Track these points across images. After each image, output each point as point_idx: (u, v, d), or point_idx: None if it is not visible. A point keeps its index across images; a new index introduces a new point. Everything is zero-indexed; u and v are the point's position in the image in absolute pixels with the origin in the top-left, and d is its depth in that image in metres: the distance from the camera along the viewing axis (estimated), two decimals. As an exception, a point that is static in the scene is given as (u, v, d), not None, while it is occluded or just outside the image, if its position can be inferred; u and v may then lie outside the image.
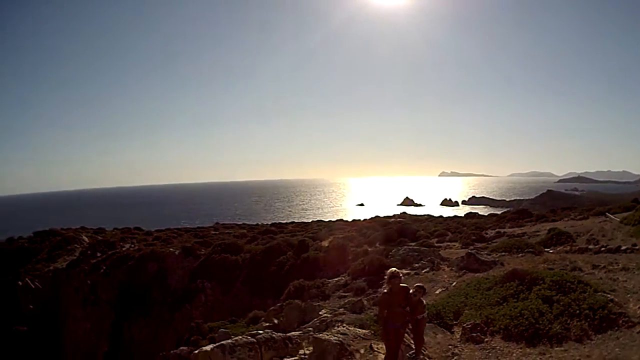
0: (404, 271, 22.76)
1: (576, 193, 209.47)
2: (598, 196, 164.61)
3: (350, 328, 12.60)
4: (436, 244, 31.47)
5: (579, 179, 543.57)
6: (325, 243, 36.99)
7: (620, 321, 10.71)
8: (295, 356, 11.94)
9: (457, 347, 10.98)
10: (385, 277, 9.74)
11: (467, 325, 11.85)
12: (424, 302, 10.06)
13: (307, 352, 11.76)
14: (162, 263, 38.95)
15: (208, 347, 11.62)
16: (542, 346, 10.07)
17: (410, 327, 9.92)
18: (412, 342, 10.18)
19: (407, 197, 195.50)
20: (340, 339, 11.49)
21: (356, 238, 38.27)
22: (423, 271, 21.67)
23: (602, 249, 19.78)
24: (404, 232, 37.60)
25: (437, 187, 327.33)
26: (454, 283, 17.74)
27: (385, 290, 9.64)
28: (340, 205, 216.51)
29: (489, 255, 21.11)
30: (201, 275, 36.18)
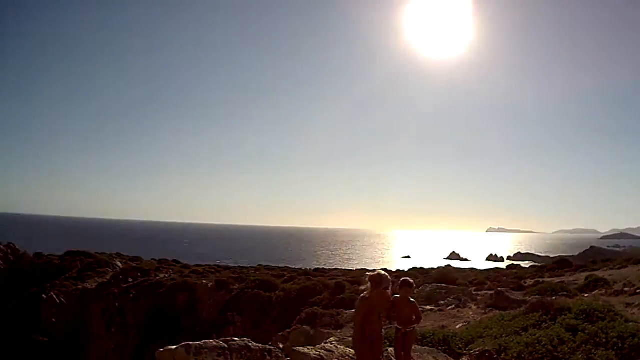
0: (428, 307, 21.00)
1: (618, 249, 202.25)
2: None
3: (339, 346, 10.75)
4: (474, 292, 29.60)
5: (622, 235, 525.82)
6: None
7: (654, 352, 8.53)
8: (271, 371, 10.24)
9: (457, 374, 8.96)
10: (368, 280, 7.79)
11: (475, 352, 9.82)
12: (417, 306, 8.34)
13: (286, 367, 10.06)
14: (194, 294, 37.95)
15: (173, 347, 10.25)
16: (559, 378, 7.95)
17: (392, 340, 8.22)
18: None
19: (453, 252, 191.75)
20: (321, 354, 9.71)
21: (396, 284, 37.00)
22: (448, 308, 19.78)
23: (638, 290, 17.79)
24: (442, 279, 35.97)
25: (484, 243, 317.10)
26: (478, 319, 15.77)
27: (365, 295, 7.79)
28: (386, 256, 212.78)
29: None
30: (232, 309, 35.13)
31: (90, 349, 38.66)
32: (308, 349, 9.95)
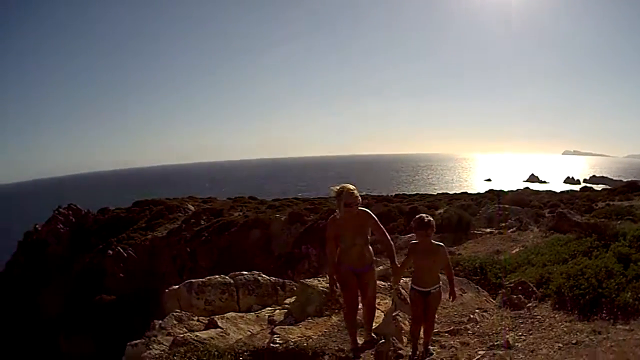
0: (487, 230, 19.27)
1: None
2: None
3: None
4: (547, 214, 27.61)
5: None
6: (440, 211, 33.42)
7: None
8: (280, 305, 8.95)
9: (485, 311, 7.24)
10: (334, 195, 5.65)
11: (509, 284, 8.12)
12: (446, 253, 5.67)
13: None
14: (266, 229, 35.78)
15: (176, 286, 9.21)
16: (600, 321, 6.04)
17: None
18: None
19: (532, 174, 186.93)
20: (331, 285, 8.31)
21: (471, 207, 34.99)
22: (509, 230, 18.12)
23: None
24: (517, 202, 33.80)
25: (561, 166, 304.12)
26: (537, 243, 14.00)
27: (336, 214, 5.75)
28: (467, 179, 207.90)
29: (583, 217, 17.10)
30: (306, 241, 32.64)
31: (162, 299, 37.02)
32: (318, 280, 8.63)
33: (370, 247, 5.83)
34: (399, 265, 5.66)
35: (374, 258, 5.98)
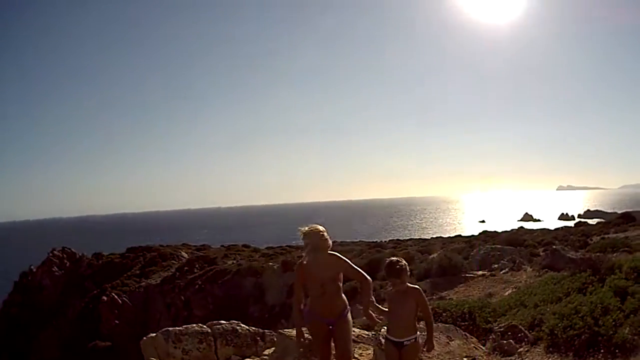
0: (479, 273, 18.78)
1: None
2: None
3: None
4: (541, 253, 27.38)
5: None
6: (433, 255, 33.33)
7: None
8: (259, 356, 8.40)
9: (473, 359, 6.74)
10: (301, 236, 5.03)
11: (499, 328, 7.62)
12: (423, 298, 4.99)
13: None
14: (260, 278, 35.73)
15: (154, 334, 8.75)
16: (598, 363, 5.60)
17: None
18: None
19: (526, 213, 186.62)
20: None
21: (465, 249, 35.02)
22: (501, 272, 17.62)
23: None
24: (511, 242, 33.72)
25: (555, 202, 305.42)
26: (530, 283, 13.60)
27: (304, 259, 5.11)
28: (461, 222, 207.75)
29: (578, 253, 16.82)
30: None
31: (141, 347, 36.56)
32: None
33: (343, 295, 5.24)
34: (368, 309, 5.07)
35: (349, 307, 5.39)
